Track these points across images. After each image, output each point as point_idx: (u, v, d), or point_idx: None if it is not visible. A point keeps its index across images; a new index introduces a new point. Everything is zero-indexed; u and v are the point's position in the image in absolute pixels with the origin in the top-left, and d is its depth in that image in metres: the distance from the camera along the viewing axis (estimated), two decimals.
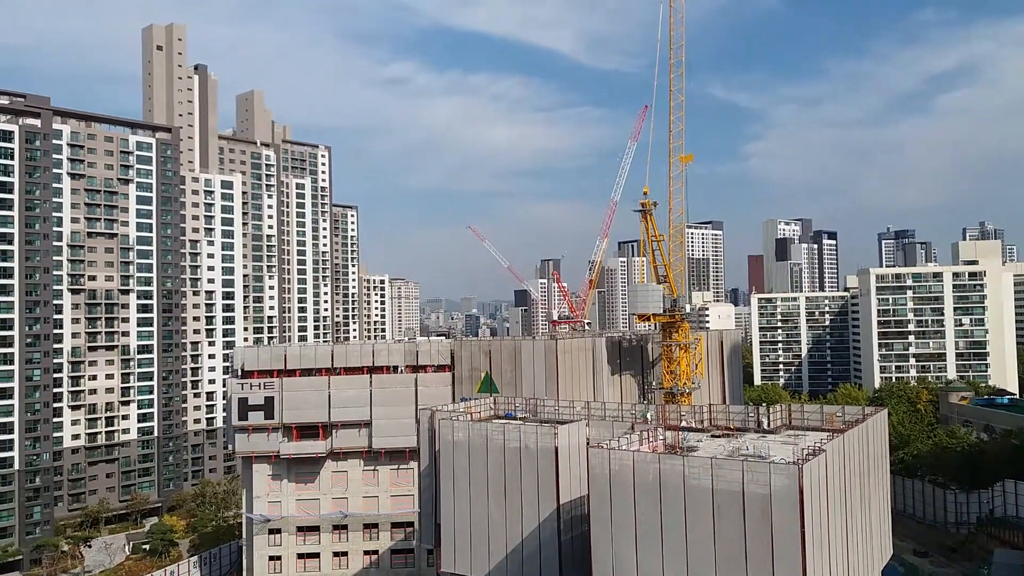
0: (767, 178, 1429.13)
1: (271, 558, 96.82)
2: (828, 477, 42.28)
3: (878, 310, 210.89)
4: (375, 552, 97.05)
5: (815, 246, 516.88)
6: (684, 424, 55.27)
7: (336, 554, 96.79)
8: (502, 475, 53.19)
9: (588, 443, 49.93)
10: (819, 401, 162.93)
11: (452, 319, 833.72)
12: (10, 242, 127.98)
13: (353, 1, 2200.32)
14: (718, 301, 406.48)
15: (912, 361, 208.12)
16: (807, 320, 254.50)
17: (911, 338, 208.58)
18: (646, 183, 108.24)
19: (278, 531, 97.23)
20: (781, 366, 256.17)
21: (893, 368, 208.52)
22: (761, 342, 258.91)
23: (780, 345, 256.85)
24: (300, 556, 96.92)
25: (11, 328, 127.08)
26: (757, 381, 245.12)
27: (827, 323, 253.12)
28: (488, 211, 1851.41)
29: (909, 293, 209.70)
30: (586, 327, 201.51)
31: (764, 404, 63.65)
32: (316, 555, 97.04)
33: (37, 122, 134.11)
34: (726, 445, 48.99)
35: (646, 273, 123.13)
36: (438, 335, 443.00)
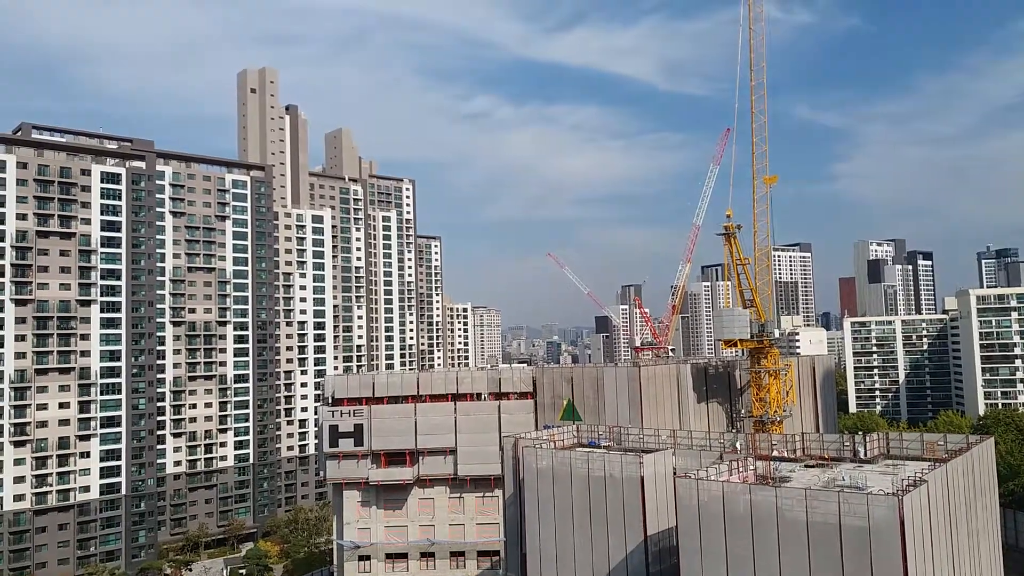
0: (857, 198, 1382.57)
1: None
2: (931, 509, 40.37)
3: (980, 333, 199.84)
4: None
5: (910, 267, 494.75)
6: (776, 454, 53.75)
7: None
8: (587, 504, 52.85)
9: (675, 473, 49.21)
10: (919, 429, 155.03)
11: (533, 346, 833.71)
12: (118, 278, 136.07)
13: (436, 40, 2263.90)
14: (808, 326, 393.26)
15: (1020, 387, 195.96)
16: (904, 344, 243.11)
17: (1018, 362, 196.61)
18: (729, 206, 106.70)
19: (367, 557, 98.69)
20: (877, 393, 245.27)
21: (999, 394, 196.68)
22: (855, 368, 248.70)
23: (876, 371, 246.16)
24: None
25: (119, 359, 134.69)
26: (852, 409, 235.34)
27: (925, 347, 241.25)
28: (568, 239, 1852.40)
29: (1014, 315, 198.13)
30: (670, 353, 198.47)
31: (860, 432, 61.19)
32: None
33: (142, 164, 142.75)
34: (821, 475, 47.39)
35: (732, 298, 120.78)
36: (520, 362, 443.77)
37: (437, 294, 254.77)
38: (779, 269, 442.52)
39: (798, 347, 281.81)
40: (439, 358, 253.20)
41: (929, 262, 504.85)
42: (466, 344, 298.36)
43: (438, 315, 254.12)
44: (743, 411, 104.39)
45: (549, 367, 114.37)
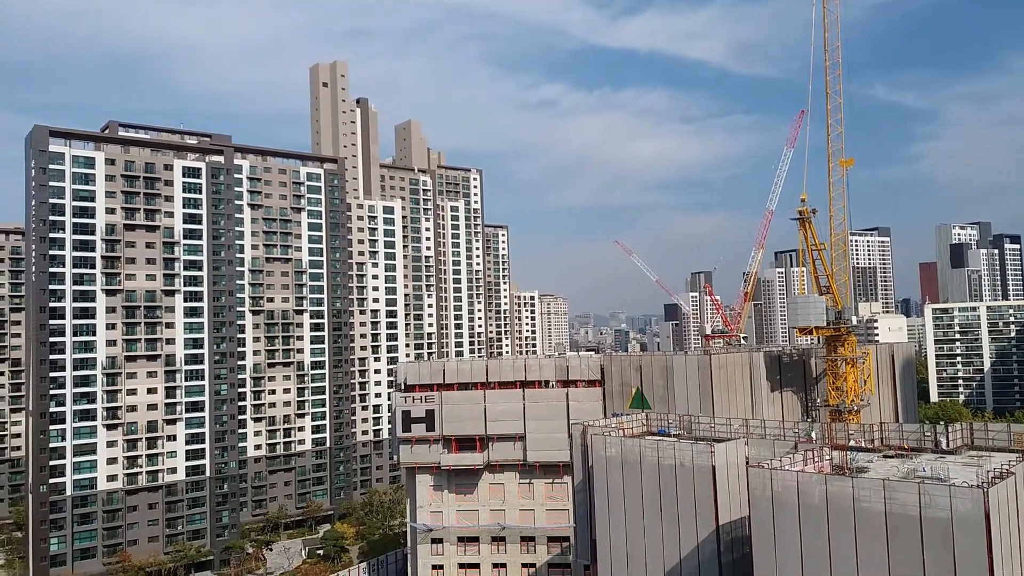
0: (939, 180, 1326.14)
1: (434, 567, 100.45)
2: (1019, 502, 39.02)
3: None
4: (532, 565, 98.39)
5: (995, 251, 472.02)
6: (852, 444, 52.59)
7: (495, 565, 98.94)
8: (657, 493, 52.81)
9: (747, 462, 48.73)
10: (1006, 419, 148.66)
11: (601, 334, 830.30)
12: (200, 268, 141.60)
13: (504, 30, 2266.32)
14: (887, 312, 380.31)
15: None
16: (989, 331, 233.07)
17: None
18: (803, 190, 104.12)
19: (440, 540, 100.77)
20: (960, 381, 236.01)
21: None
22: (937, 356, 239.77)
23: (959, 359, 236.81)
24: (461, 566, 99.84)
25: (202, 347, 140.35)
26: (934, 398, 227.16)
27: (1013, 334, 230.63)
28: (635, 225, 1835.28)
29: None
30: (742, 341, 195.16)
31: (942, 422, 59.24)
32: (476, 566, 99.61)
33: (221, 158, 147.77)
34: (900, 466, 46.21)
35: (807, 284, 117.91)
36: (587, 350, 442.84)
37: (504, 282, 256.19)
38: (856, 254, 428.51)
39: (876, 334, 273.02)
40: (507, 346, 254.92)
41: (1017, 245, 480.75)
42: (533, 332, 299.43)
43: (505, 303, 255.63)
44: (819, 400, 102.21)
45: (617, 355, 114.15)
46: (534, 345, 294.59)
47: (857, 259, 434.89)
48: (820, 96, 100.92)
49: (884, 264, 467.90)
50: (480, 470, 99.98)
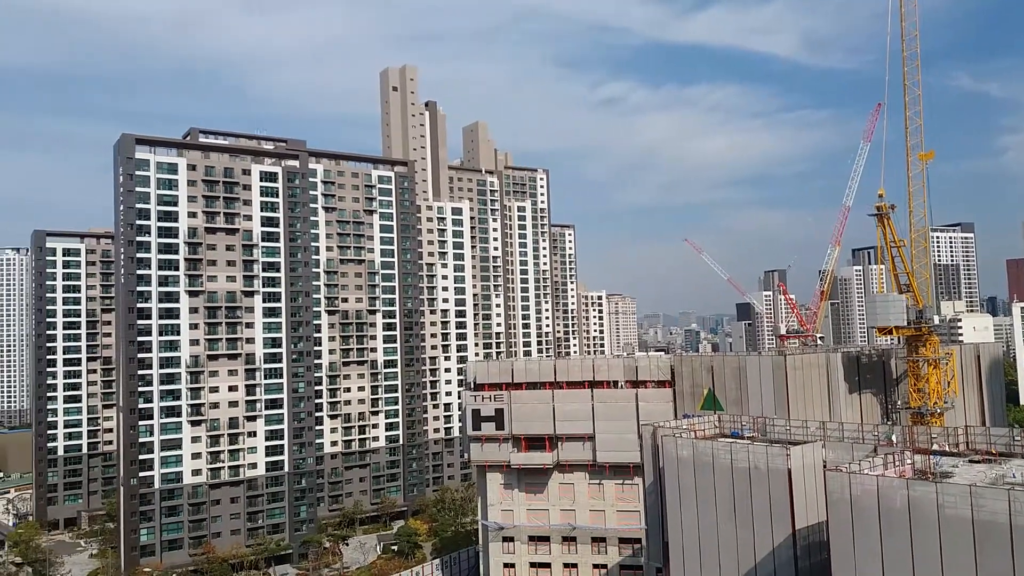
0: None
1: (506, 565, 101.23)
2: None
3: None
4: (604, 566, 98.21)
5: None
6: (936, 447, 50.99)
7: (566, 565, 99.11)
8: (731, 495, 52.22)
9: (825, 465, 47.79)
10: None
11: (671, 334, 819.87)
12: (278, 270, 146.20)
13: (569, 29, 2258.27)
14: (972, 311, 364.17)
15: None
16: None
17: None
18: (881, 185, 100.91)
19: (511, 539, 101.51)
20: None
21: None
22: None
23: None
24: (532, 565, 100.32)
25: (280, 346, 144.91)
26: (1023, 401, 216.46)
27: None
28: (705, 223, 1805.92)
29: None
30: (818, 341, 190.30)
31: None
32: (547, 565, 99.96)
33: (296, 163, 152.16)
34: (987, 472, 44.62)
35: (885, 282, 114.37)
36: (657, 350, 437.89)
37: (572, 282, 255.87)
38: (938, 251, 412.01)
39: (960, 334, 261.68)
40: (574, 345, 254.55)
41: None
42: (601, 332, 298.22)
43: (573, 303, 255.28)
44: (899, 402, 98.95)
45: (688, 355, 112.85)
46: (602, 345, 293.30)
47: (938, 256, 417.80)
48: (897, 88, 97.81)
49: (967, 261, 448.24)
50: (549, 470, 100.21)
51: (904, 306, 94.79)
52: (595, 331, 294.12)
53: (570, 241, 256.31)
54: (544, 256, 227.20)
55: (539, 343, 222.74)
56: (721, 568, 52.67)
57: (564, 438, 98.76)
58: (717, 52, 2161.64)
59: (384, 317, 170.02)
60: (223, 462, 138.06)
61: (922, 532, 38.51)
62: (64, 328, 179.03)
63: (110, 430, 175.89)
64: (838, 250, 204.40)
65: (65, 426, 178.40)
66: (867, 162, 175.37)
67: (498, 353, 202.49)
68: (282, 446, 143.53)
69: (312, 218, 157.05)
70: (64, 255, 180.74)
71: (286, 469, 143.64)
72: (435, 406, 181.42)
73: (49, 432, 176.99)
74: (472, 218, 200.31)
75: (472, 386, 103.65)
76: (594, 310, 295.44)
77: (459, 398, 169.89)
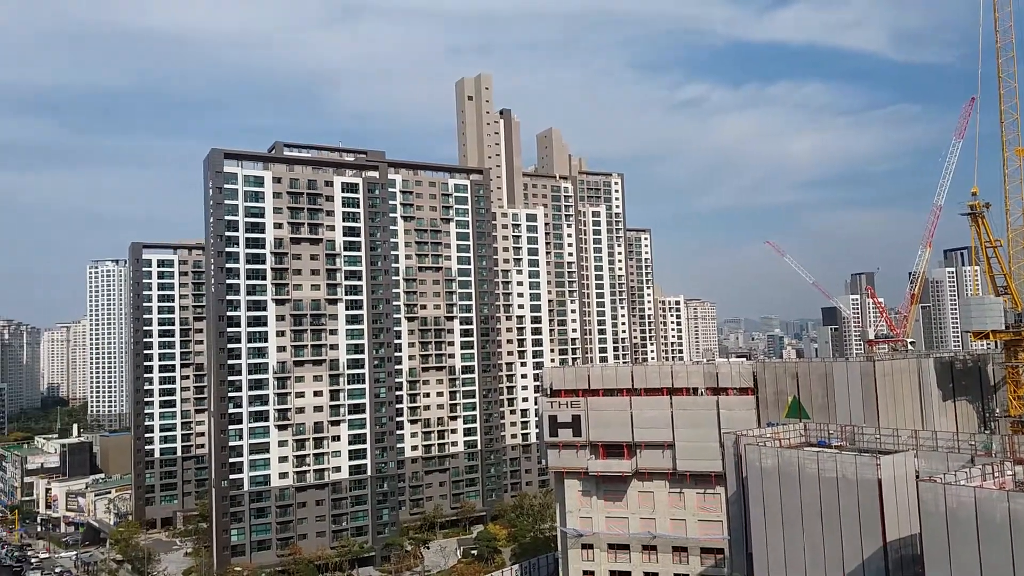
0: None
1: (585, 572, 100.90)
2: None
3: None
4: (685, 575, 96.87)
5: None
6: None
7: (647, 574, 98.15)
8: (818, 506, 50.90)
9: (917, 476, 46.13)
10: None
11: (752, 340, 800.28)
12: (359, 278, 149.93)
13: (646, 32, 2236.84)
14: None
15: None
16: None
17: None
18: (975, 183, 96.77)
19: (590, 546, 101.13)
20: None
21: None
22: None
23: None
24: (612, 573, 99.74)
25: (362, 352, 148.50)
26: None
27: None
28: (788, 225, 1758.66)
29: None
30: (909, 347, 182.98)
31: None
32: (627, 573, 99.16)
33: (376, 173, 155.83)
34: None
35: (981, 284, 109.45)
36: (738, 356, 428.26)
37: (648, 287, 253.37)
38: None
39: None
40: (652, 352, 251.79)
41: None
42: (680, 337, 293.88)
43: (650, 308, 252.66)
44: (998, 410, 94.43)
45: (771, 361, 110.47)
46: (681, 351, 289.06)
47: None
48: (991, 81, 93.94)
49: None
50: (628, 477, 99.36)
51: (1001, 309, 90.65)
52: (673, 337, 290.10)
53: (646, 245, 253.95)
54: (620, 261, 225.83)
55: (615, 349, 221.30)
56: None
57: (643, 445, 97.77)
58: (800, 50, 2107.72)
59: (461, 323, 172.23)
60: (308, 466, 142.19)
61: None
62: (159, 336, 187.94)
63: (202, 434, 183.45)
64: (929, 251, 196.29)
65: (161, 430, 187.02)
66: (960, 159, 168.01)
67: (574, 359, 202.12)
68: (365, 450, 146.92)
69: (391, 227, 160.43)
70: (159, 266, 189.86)
71: (369, 473, 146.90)
72: (512, 412, 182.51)
73: (146, 435, 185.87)
74: (547, 224, 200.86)
75: (548, 392, 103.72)
76: (672, 315, 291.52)
77: (535, 404, 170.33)
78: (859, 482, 48.31)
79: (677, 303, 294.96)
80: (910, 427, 73.97)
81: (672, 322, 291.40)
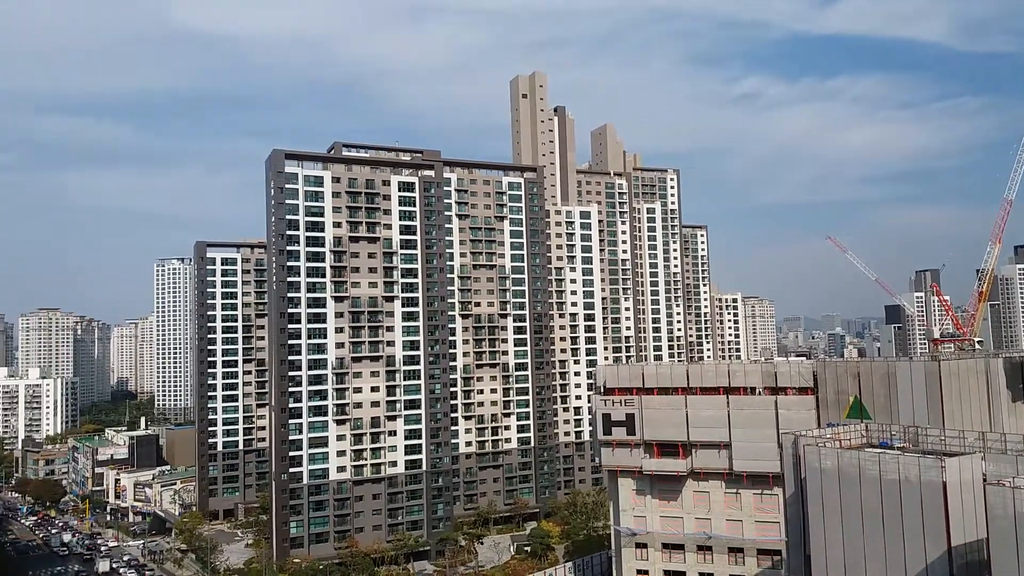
0: None
1: (639, 571, 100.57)
2: None
3: None
4: None
5: None
6: None
7: (702, 575, 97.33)
8: (879, 509, 49.82)
9: (985, 479, 44.81)
10: None
11: (812, 338, 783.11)
12: (415, 276, 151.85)
13: (701, 26, 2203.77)
14: None
15: None
16: None
17: None
18: None
19: (644, 545, 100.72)
20: None
21: None
22: None
23: None
24: (666, 573, 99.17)
25: (418, 348, 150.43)
26: None
27: None
28: (849, 221, 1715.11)
29: None
30: (976, 346, 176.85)
31: None
32: (682, 573, 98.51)
33: (431, 172, 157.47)
34: None
35: None
36: (797, 355, 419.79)
37: (704, 284, 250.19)
38: None
39: None
40: (708, 350, 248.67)
41: None
42: (737, 336, 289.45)
43: (706, 306, 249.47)
44: None
45: (832, 361, 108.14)
46: (738, 350, 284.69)
47: None
48: None
49: None
50: (683, 477, 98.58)
51: None
52: (730, 335, 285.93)
53: (702, 242, 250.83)
54: (675, 258, 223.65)
55: (670, 347, 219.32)
56: None
57: (698, 445, 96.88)
58: (860, 41, 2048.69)
59: (514, 321, 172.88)
60: (365, 460, 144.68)
61: None
62: (223, 332, 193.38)
63: (263, 428, 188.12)
64: (999, 248, 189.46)
65: (223, 423, 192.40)
66: None
67: (628, 357, 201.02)
68: (420, 445, 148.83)
69: (446, 225, 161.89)
70: (222, 264, 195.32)
71: (424, 468, 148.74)
72: (565, 409, 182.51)
73: (210, 429, 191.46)
74: (600, 221, 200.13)
75: (602, 390, 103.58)
76: (729, 313, 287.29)
77: (589, 402, 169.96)
78: (923, 485, 47.17)
79: (734, 301, 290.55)
80: (977, 429, 71.68)
81: (729, 320, 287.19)
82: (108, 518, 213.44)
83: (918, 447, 56.11)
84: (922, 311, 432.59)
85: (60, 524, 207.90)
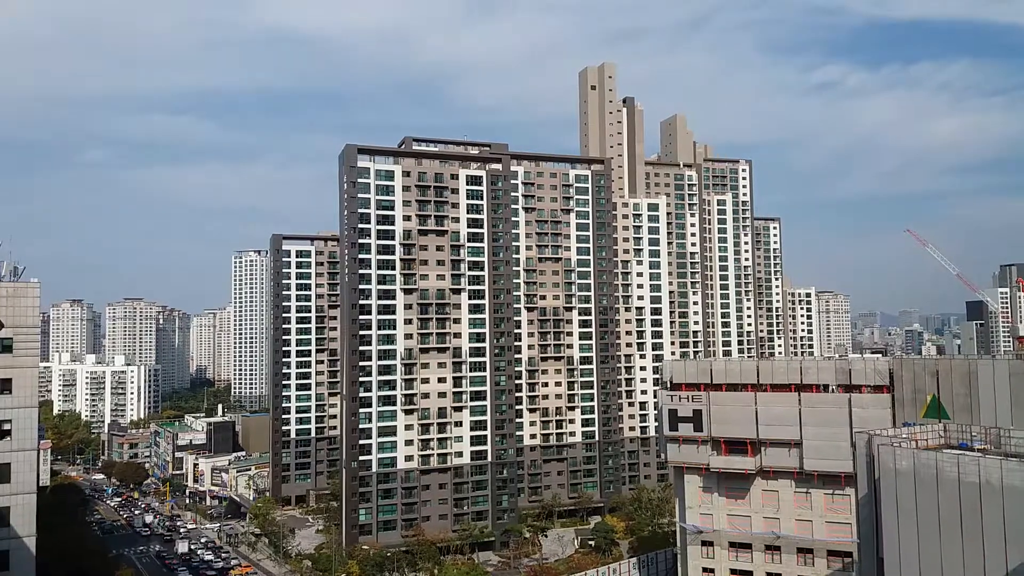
0: None
1: (705, 570, 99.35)
2: None
3: None
4: None
5: None
6: None
7: (769, 575, 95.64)
8: (957, 513, 48.10)
9: None
10: None
11: (889, 335, 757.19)
12: (482, 269, 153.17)
13: (779, 14, 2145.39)
14: None
15: None
16: None
17: None
18: None
19: (710, 544, 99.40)
20: None
21: None
22: None
23: None
24: (733, 572, 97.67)
25: (483, 340, 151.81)
26: None
27: None
28: (931, 214, 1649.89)
29: None
30: None
31: None
32: (749, 573, 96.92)
33: (499, 166, 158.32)
34: None
35: None
36: (873, 352, 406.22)
37: (776, 278, 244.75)
38: None
39: None
40: (779, 346, 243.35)
41: None
42: (810, 331, 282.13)
43: (778, 300, 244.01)
44: None
45: (909, 358, 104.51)
46: (811, 346, 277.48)
47: None
48: None
49: None
50: (752, 475, 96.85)
51: None
52: (803, 331, 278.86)
53: (775, 235, 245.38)
54: (746, 251, 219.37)
55: (740, 343, 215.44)
56: None
57: (767, 443, 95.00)
58: (945, 25, 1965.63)
59: (580, 314, 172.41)
60: (432, 450, 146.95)
61: None
62: (297, 323, 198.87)
63: (334, 416, 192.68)
64: None
65: (296, 411, 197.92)
66: None
67: (695, 352, 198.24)
68: (485, 436, 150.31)
69: (513, 218, 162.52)
70: (297, 256, 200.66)
71: (489, 459, 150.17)
72: (630, 404, 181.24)
73: (283, 416, 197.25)
74: (669, 213, 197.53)
75: (668, 385, 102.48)
76: (802, 308, 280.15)
77: (655, 397, 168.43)
78: (1004, 488, 45.35)
79: (807, 295, 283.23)
80: None
81: (802, 315, 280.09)
82: (187, 501, 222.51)
83: (1000, 449, 54.00)
84: (1006, 307, 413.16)
85: (143, 506, 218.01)
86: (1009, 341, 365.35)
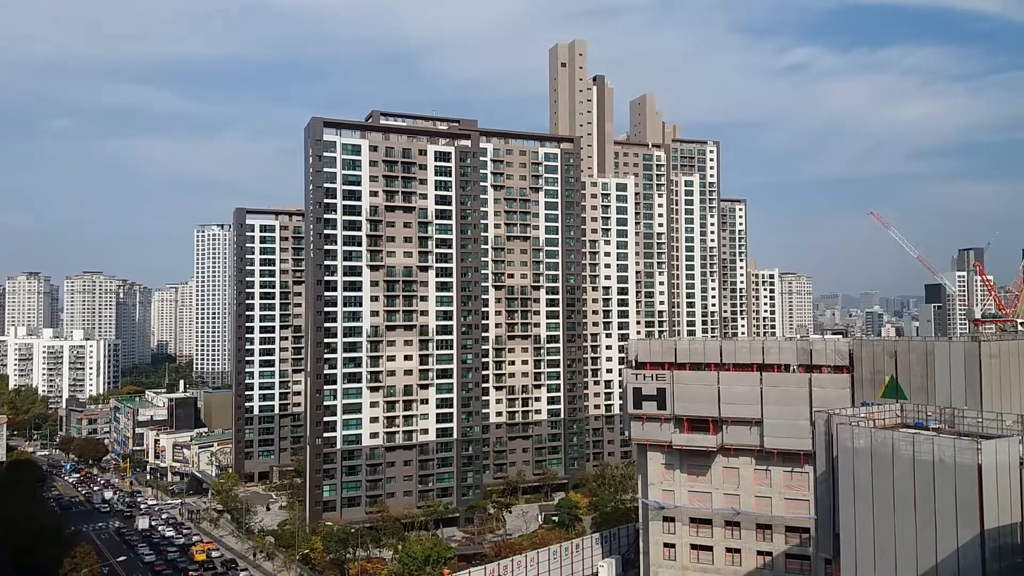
0: None
1: (666, 545, 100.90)
2: None
3: None
4: (768, 554, 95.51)
5: None
6: None
7: (729, 550, 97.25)
8: (911, 490, 49.26)
9: (1021, 463, 44.05)
10: None
11: (850, 316, 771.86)
12: (449, 246, 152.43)
13: None
14: None
15: None
16: None
17: None
18: None
19: (671, 519, 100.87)
20: None
21: None
22: None
23: None
24: (693, 547, 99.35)
25: (451, 318, 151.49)
26: None
27: None
28: (894, 197, 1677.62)
29: None
30: (1019, 327, 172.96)
31: None
32: (709, 548, 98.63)
33: (468, 143, 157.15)
34: None
35: None
36: (834, 333, 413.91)
37: (741, 259, 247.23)
38: None
39: None
40: (743, 326, 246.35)
41: None
42: (772, 312, 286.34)
43: (742, 281, 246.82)
44: None
45: (869, 339, 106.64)
46: (773, 326, 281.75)
47: None
48: None
49: None
50: (713, 452, 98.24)
51: None
52: (766, 312, 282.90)
53: (741, 216, 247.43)
54: (712, 232, 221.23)
55: (704, 323, 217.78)
56: (897, 564, 49.97)
57: (729, 421, 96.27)
58: (914, 11, 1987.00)
59: (547, 293, 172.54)
60: (398, 427, 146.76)
61: None
62: (261, 298, 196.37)
63: (299, 393, 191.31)
64: None
65: (260, 388, 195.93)
66: None
67: (660, 332, 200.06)
68: (451, 414, 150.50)
69: (481, 196, 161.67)
70: (261, 231, 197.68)
71: (455, 436, 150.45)
72: (596, 382, 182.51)
73: (246, 393, 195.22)
74: (637, 194, 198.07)
75: (633, 364, 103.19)
76: (765, 289, 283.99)
77: (620, 375, 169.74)
78: (957, 467, 46.49)
79: (771, 277, 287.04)
80: (1016, 411, 70.26)
81: (765, 296, 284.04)
82: (148, 477, 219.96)
83: (954, 429, 55.24)
84: (964, 291, 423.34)
85: (102, 482, 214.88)
86: (965, 324, 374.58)
